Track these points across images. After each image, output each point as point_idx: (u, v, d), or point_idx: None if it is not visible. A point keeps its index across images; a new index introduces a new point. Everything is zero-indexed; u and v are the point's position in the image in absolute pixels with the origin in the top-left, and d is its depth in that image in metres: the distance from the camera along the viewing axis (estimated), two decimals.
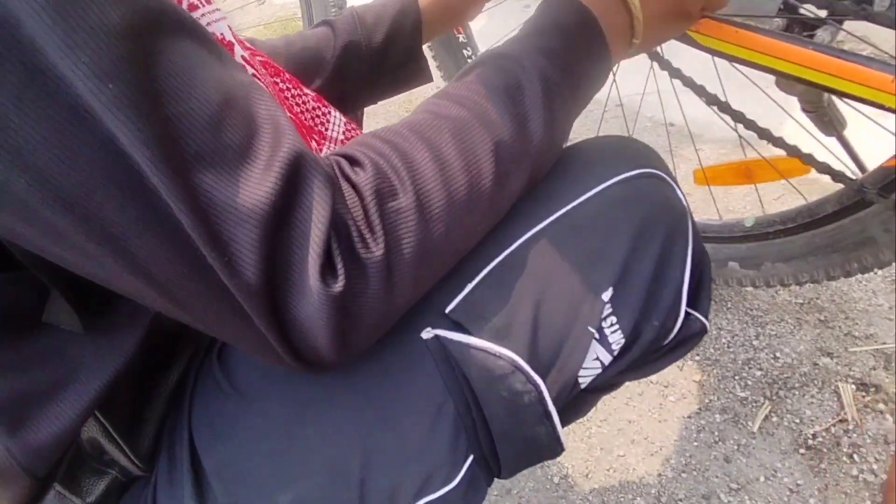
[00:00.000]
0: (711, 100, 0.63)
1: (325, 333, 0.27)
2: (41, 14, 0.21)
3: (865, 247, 0.60)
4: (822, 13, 0.60)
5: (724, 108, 0.63)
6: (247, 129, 0.26)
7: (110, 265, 0.25)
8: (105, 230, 0.24)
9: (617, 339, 0.37)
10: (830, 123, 0.71)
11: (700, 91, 0.63)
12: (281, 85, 0.46)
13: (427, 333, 0.35)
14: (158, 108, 0.23)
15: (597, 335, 0.37)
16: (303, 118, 0.47)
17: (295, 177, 0.26)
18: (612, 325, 0.37)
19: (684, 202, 0.41)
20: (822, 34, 0.61)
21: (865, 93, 0.48)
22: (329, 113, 0.50)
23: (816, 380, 0.74)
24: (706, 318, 0.41)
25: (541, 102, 0.35)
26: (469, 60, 1.02)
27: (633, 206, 0.38)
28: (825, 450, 0.69)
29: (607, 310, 0.37)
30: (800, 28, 0.62)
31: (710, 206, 0.95)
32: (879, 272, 0.80)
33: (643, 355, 0.39)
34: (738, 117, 0.63)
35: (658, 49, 0.66)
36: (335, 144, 0.50)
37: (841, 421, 0.71)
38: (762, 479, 0.68)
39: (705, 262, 0.41)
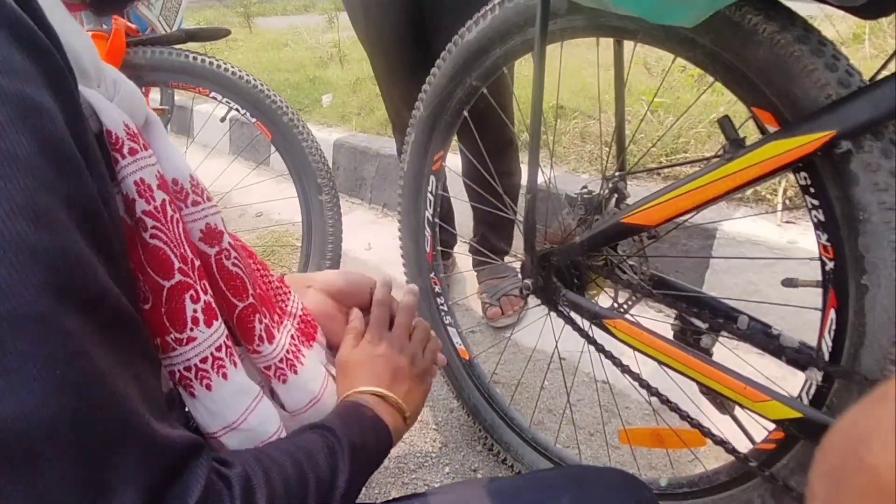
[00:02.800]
0: (634, 377, 0.81)
1: None
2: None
3: None
4: (705, 326, 0.83)
5: (644, 384, 0.80)
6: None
7: None
8: None
9: None
10: (722, 405, 0.89)
11: (626, 370, 0.81)
12: (253, 266, 0.60)
13: None
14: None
15: None
16: (271, 295, 0.61)
17: (185, 461, 0.37)
18: None
19: None
20: (705, 339, 0.83)
21: (728, 392, 0.67)
22: (289, 293, 0.65)
23: None
24: None
25: (348, 461, 0.50)
26: (441, 308, 1.22)
27: None
28: None
29: None
30: (690, 332, 0.84)
31: (635, 461, 1.07)
32: None
33: None
34: (653, 392, 0.80)
35: (591, 332, 0.86)
36: (294, 319, 0.63)
37: None
38: None
39: None
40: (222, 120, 1.60)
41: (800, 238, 1.29)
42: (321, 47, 4.51)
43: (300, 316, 0.65)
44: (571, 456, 1.01)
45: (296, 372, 0.58)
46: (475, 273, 1.72)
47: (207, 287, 0.47)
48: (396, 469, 1.17)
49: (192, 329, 0.45)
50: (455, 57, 0.96)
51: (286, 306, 0.64)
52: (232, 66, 1.34)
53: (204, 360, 0.46)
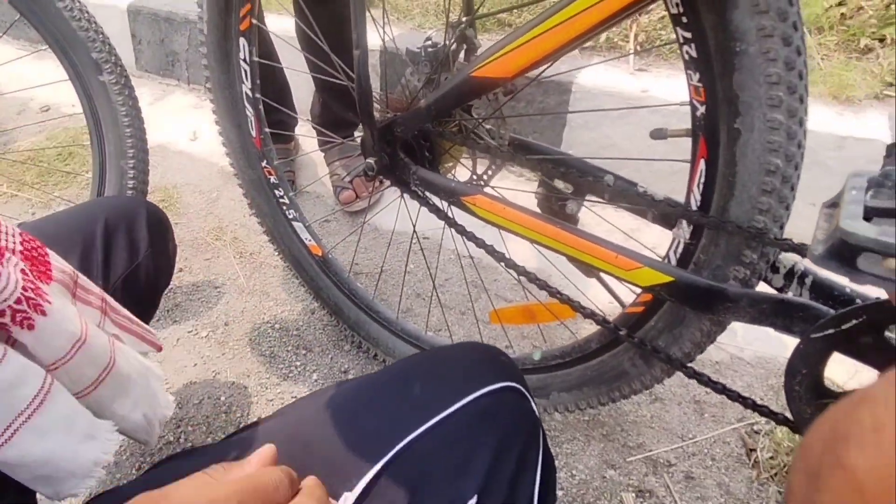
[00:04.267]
0: (499, 258, 0.73)
1: None
2: None
3: (621, 378, 0.72)
4: (570, 189, 0.75)
5: (510, 264, 0.73)
6: None
7: None
8: None
9: None
10: (589, 269, 0.86)
11: (490, 250, 0.72)
12: None
13: None
14: None
15: None
16: None
17: None
18: None
19: (537, 413, 0.48)
20: (571, 205, 0.76)
21: (599, 264, 0.61)
22: None
23: (606, 492, 0.83)
24: None
25: None
26: (282, 201, 1.05)
27: (495, 419, 0.44)
28: None
29: None
30: (555, 198, 0.76)
31: (506, 335, 1.06)
32: None
33: None
34: (521, 271, 0.73)
35: (450, 213, 0.75)
36: (13, 254, 0.49)
37: None
38: None
39: (552, 464, 0.48)
40: None
41: (652, 86, 1.26)
42: None
43: (22, 251, 0.50)
44: (443, 341, 0.95)
45: (44, 312, 0.45)
46: (322, 154, 1.53)
47: None
48: (258, 386, 1.05)
49: None
50: None
51: None
52: None
53: None
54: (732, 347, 1.01)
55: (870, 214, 0.31)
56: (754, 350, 1.00)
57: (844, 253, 0.30)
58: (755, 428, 0.88)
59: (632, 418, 0.92)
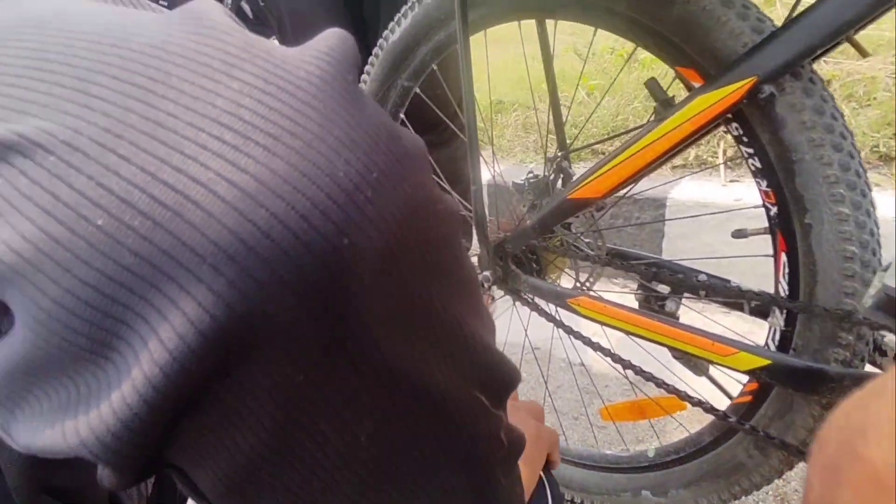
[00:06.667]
0: (605, 353, 0.80)
1: None
2: None
3: (739, 471, 0.72)
4: (667, 290, 0.83)
5: (616, 359, 0.79)
6: None
7: None
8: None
9: None
10: (697, 367, 0.90)
11: (596, 347, 0.80)
12: None
13: None
14: None
15: None
16: None
17: None
18: None
19: None
20: (669, 304, 0.83)
21: (697, 351, 0.67)
22: None
23: None
24: None
25: None
26: None
27: None
28: None
29: None
30: (654, 300, 0.84)
31: (622, 438, 1.07)
32: (767, 488, 0.91)
33: None
34: (626, 365, 0.79)
35: (557, 315, 0.85)
36: None
37: None
38: None
39: None
40: None
41: (745, 194, 1.32)
42: None
43: None
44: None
45: None
46: None
47: None
48: None
49: None
50: (383, 60, 0.95)
51: None
52: None
53: None
54: None
55: None
56: None
57: (889, 304, 0.36)
58: None
59: None
